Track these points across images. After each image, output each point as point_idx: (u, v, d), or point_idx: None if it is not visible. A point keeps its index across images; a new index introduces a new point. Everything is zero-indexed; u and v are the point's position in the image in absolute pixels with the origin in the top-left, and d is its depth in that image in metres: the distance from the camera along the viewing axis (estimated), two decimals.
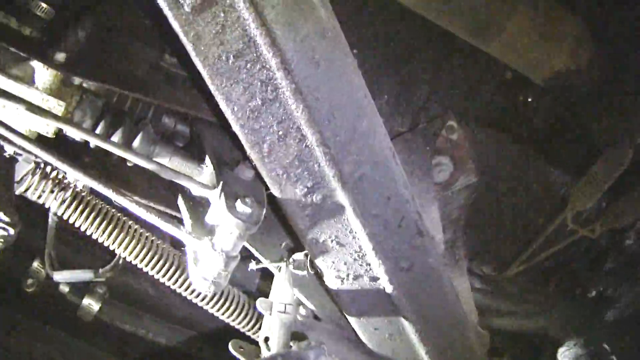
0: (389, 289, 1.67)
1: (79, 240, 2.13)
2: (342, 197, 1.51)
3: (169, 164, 1.75)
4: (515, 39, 1.73)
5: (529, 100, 2.26)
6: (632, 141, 1.85)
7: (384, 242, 1.61)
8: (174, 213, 1.91)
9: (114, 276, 2.17)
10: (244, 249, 1.66)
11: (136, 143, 1.74)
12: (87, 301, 2.20)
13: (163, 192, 1.92)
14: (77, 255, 2.23)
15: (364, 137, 1.47)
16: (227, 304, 2.02)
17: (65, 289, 2.19)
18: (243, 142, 1.41)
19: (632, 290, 2.63)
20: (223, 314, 2.03)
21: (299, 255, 1.75)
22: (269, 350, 1.70)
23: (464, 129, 2.16)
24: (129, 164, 1.72)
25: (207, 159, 1.68)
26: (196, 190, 1.68)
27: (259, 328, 2.00)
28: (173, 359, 2.41)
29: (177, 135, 1.91)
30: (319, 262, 1.66)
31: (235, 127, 1.38)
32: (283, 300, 1.76)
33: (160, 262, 1.92)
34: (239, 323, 2.04)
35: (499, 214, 2.35)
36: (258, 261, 1.84)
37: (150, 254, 1.90)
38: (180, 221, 1.67)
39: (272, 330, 1.70)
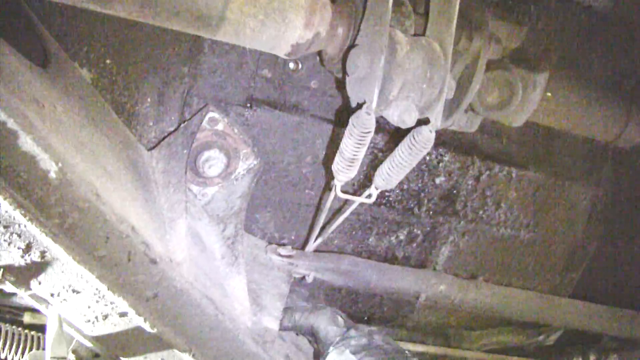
0: (140, 321, 1.66)
1: None
2: (57, 249, 1.48)
3: None
4: (240, 24, 1.69)
5: (299, 67, 2.23)
6: (369, 107, 1.83)
7: (118, 279, 1.60)
8: None
9: None
10: None
11: None
12: None
13: None
14: None
15: (59, 189, 1.44)
16: None
17: None
18: None
19: (454, 227, 2.68)
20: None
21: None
22: None
23: (232, 115, 2.13)
24: None
25: None
26: None
27: None
28: None
29: None
30: (65, 312, 1.65)
31: None
32: (56, 354, 1.74)
33: None
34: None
35: (284, 191, 2.35)
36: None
37: None
38: None
39: None
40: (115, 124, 1.94)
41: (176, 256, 1.68)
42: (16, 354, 2.01)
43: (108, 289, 1.60)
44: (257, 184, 2.24)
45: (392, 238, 2.63)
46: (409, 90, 1.84)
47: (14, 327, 2.09)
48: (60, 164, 1.41)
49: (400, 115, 1.85)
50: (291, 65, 2.26)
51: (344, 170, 1.92)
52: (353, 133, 1.83)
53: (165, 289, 1.68)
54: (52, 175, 1.42)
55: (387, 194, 2.53)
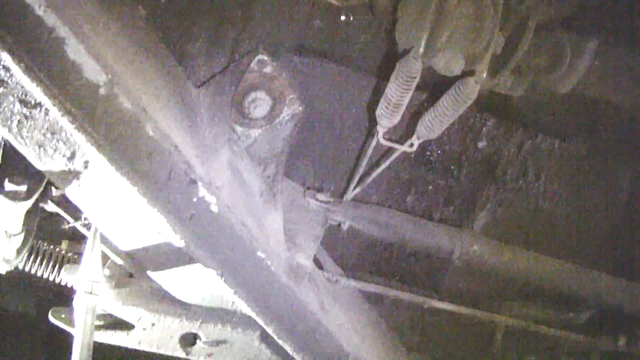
0: (176, 240, 1.70)
1: None
2: (100, 160, 1.53)
3: None
4: None
5: (350, 19, 2.24)
6: (416, 53, 1.85)
7: (157, 195, 1.64)
8: None
9: None
10: None
11: None
12: None
13: None
14: None
15: (107, 100, 1.49)
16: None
17: None
18: None
19: (493, 194, 2.68)
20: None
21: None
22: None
23: (281, 60, 2.15)
24: None
25: None
26: None
27: None
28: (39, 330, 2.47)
29: None
30: (104, 227, 1.69)
31: None
32: (91, 277, 1.79)
33: None
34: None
35: (326, 140, 2.37)
36: (67, 222, 1.88)
37: None
38: None
39: (77, 316, 1.74)
40: (167, 58, 1.98)
41: (216, 181, 1.71)
42: (52, 273, 2.05)
43: (147, 204, 1.64)
44: (300, 132, 2.26)
45: (430, 199, 2.64)
46: (457, 40, 1.85)
47: (51, 246, 2.13)
48: (110, 76, 1.45)
49: (447, 62, 1.87)
50: (342, 17, 2.28)
51: (388, 115, 1.95)
52: (399, 77, 1.85)
53: (202, 210, 1.71)
54: (102, 85, 1.45)
55: (427, 153, 2.54)
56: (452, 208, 2.69)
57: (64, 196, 1.91)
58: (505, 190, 2.72)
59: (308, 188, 2.34)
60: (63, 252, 2.13)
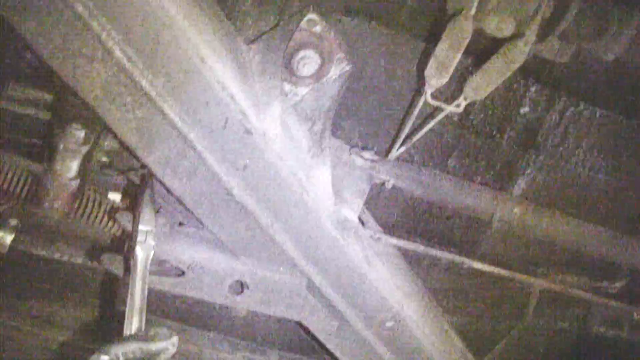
0: (230, 187, 1.75)
1: None
2: (163, 105, 1.58)
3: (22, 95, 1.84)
4: None
5: None
6: (468, 12, 1.88)
7: (213, 144, 1.69)
8: None
9: (16, 206, 2.27)
10: None
11: None
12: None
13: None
14: None
15: (169, 48, 1.53)
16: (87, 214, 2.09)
17: None
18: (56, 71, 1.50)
19: (533, 160, 2.70)
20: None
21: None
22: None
23: (330, 20, 2.18)
24: None
25: None
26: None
27: None
28: (91, 279, 2.53)
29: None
30: (158, 172, 1.74)
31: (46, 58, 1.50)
32: (144, 226, 1.85)
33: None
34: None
35: (372, 101, 2.40)
36: (120, 172, 1.93)
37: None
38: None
39: (132, 265, 1.79)
40: (218, 13, 2.01)
41: (269, 132, 1.75)
42: (100, 222, 2.09)
43: (202, 152, 1.69)
44: (346, 92, 2.29)
45: (471, 163, 2.67)
46: (508, 2, 1.88)
47: (102, 196, 2.18)
48: (170, 22, 1.49)
49: (498, 24, 1.89)
50: None
51: (437, 75, 1.98)
52: (450, 38, 1.88)
53: (256, 160, 1.76)
54: (164, 33, 1.50)
55: (471, 117, 2.56)
56: (492, 173, 2.72)
57: (115, 149, 1.98)
58: (545, 156, 2.73)
59: (353, 147, 2.37)
60: (113, 202, 2.18)
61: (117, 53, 1.51)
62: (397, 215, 2.72)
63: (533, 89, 2.56)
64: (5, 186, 1.95)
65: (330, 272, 2.03)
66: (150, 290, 1.78)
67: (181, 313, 2.67)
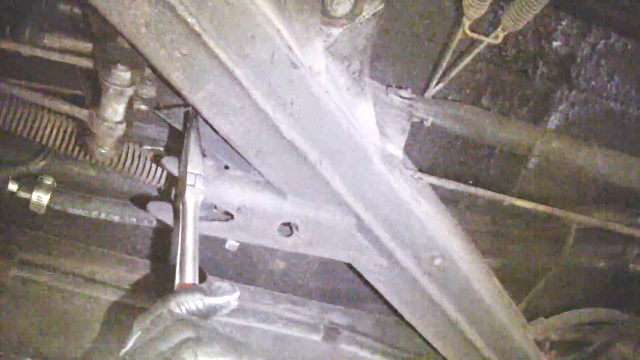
0: (277, 124, 1.72)
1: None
2: (208, 40, 1.55)
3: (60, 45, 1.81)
4: None
5: None
6: None
7: (259, 79, 1.66)
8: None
9: (51, 165, 2.26)
10: None
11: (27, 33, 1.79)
12: (36, 194, 2.27)
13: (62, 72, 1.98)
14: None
15: None
16: (130, 164, 2.07)
17: (13, 187, 2.25)
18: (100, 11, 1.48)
19: (566, 95, 2.67)
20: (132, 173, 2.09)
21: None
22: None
23: None
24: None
25: None
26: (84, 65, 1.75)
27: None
28: (128, 235, 2.51)
29: (75, 18, 1.95)
30: (205, 111, 1.72)
31: None
32: (192, 169, 1.80)
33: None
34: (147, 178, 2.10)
35: (404, 39, 2.37)
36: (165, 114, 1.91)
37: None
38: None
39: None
40: None
41: (314, 66, 1.72)
42: (146, 170, 2.07)
43: (250, 87, 1.66)
44: (380, 32, 2.26)
45: (504, 99, 2.64)
46: None
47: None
48: None
49: None
50: None
51: (475, 4, 1.94)
52: None
53: (302, 95, 1.73)
54: None
55: (503, 53, 2.53)
56: (526, 109, 2.69)
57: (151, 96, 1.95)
58: (579, 91, 2.71)
59: (389, 86, 2.34)
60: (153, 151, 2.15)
61: None
62: (432, 157, 2.70)
63: (564, 22, 2.52)
64: (46, 141, 1.91)
65: (379, 210, 2.01)
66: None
67: (219, 267, 2.65)
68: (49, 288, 2.40)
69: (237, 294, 1.38)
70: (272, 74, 1.68)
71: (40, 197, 2.24)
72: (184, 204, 1.73)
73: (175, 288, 1.49)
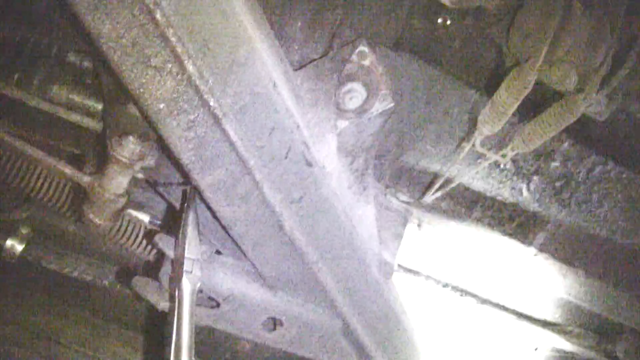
0: (281, 218, 1.68)
1: None
2: (227, 126, 1.50)
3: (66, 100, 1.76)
4: None
5: (448, 22, 2.22)
6: (534, 63, 1.83)
7: (271, 173, 1.61)
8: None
9: (34, 215, 2.19)
10: None
11: (35, 82, 1.74)
12: (10, 242, 2.19)
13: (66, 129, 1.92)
14: None
15: (242, 67, 1.45)
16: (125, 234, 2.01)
17: None
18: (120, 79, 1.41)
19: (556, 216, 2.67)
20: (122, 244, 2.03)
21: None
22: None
23: (378, 54, 2.13)
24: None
25: None
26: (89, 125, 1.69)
27: None
28: (100, 295, 2.43)
29: (84, 72, 1.90)
30: (210, 196, 1.66)
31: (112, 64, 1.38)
32: (189, 254, 1.73)
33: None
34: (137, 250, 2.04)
35: (407, 140, 2.35)
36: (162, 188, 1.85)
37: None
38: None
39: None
40: (272, 37, 1.95)
41: (328, 166, 1.68)
42: (138, 244, 2.02)
43: (260, 179, 1.62)
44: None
45: (494, 214, 2.63)
46: (575, 54, 1.84)
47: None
48: (247, 41, 1.42)
49: (562, 77, 1.85)
50: (439, 20, 2.26)
51: (491, 122, 1.93)
52: (512, 87, 1.83)
53: (312, 194, 1.69)
54: (241, 51, 1.43)
55: (501, 166, 2.52)
56: (515, 224, 2.68)
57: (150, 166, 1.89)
58: (568, 212, 2.70)
59: (387, 186, 2.31)
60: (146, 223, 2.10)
61: (190, 68, 1.42)
62: None
63: (566, 144, 2.52)
64: (41, 196, 1.85)
65: (367, 317, 1.97)
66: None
67: None
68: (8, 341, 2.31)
69: None
70: (285, 169, 1.64)
71: (13, 246, 2.16)
72: (179, 290, 1.67)
73: None
